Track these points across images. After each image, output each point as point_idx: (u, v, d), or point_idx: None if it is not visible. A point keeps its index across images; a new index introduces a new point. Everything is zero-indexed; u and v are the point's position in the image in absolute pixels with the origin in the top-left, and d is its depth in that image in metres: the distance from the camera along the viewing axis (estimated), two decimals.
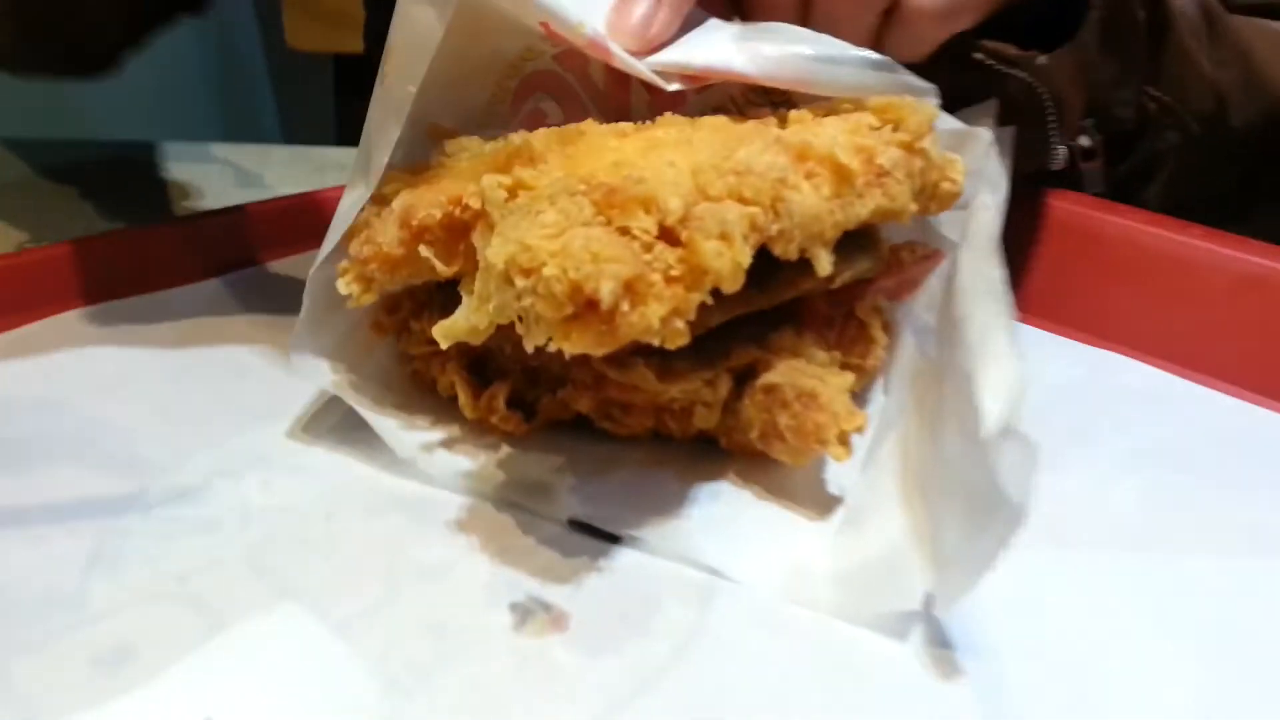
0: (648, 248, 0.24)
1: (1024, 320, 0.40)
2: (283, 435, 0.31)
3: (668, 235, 0.24)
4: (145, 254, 0.41)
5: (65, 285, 0.39)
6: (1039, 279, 0.41)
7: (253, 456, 0.30)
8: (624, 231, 0.24)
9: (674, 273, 0.23)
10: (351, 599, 0.24)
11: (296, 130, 1.33)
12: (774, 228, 0.25)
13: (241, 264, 0.43)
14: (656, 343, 0.23)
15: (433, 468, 0.29)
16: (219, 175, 0.63)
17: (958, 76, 0.34)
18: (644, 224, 0.24)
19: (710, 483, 0.30)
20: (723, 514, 0.28)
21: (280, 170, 0.64)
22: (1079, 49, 0.34)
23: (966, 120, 0.33)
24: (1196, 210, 0.49)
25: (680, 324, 0.23)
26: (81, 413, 0.32)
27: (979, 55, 0.34)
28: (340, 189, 0.32)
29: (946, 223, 0.34)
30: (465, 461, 0.30)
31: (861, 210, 0.27)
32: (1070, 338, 0.39)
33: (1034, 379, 0.34)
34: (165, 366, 0.35)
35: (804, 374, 0.29)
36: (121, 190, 0.61)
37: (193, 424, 0.31)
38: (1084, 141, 0.44)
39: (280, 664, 0.21)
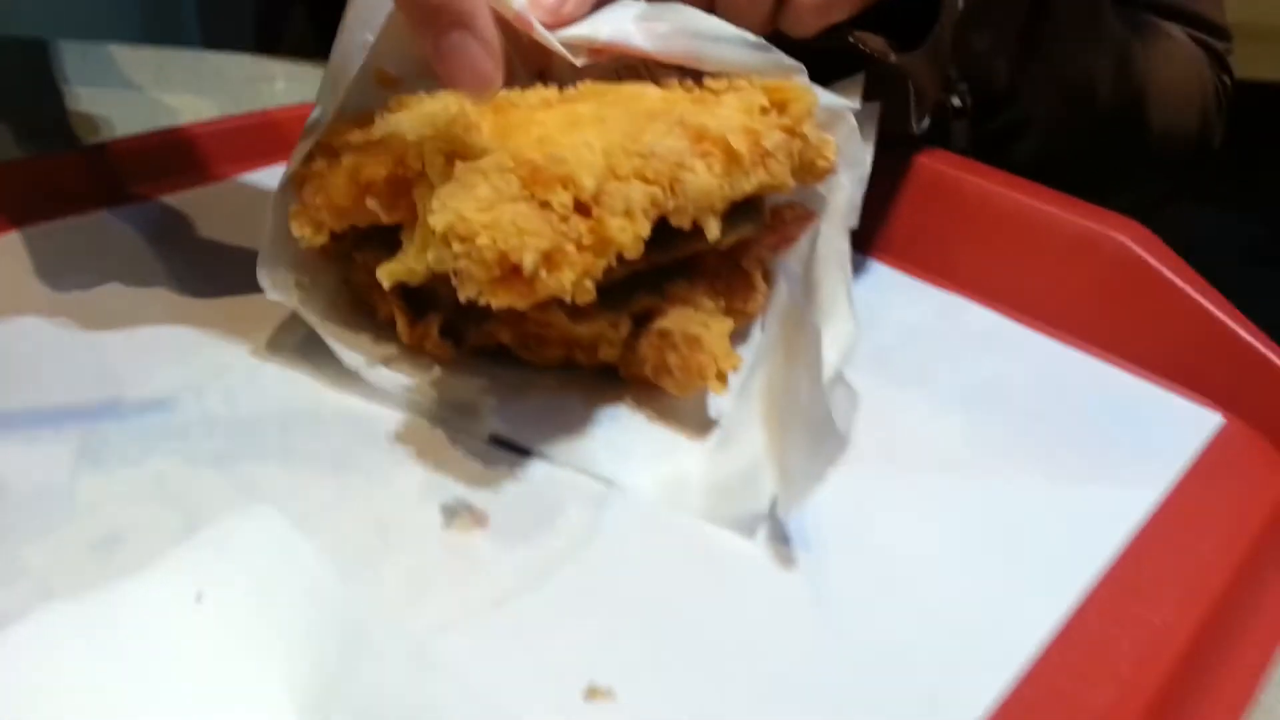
0: (564, 219, 0.28)
1: (888, 263, 0.46)
2: (243, 352, 0.35)
3: (582, 209, 0.29)
4: (91, 172, 0.44)
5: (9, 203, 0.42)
6: (902, 226, 0.46)
7: (215, 371, 0.34)
8: (545, 205, 0.28)
9: (585, 242, 0.28)
10: (306, 499, 0.29)
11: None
12: (671, 204, 0.30)
13: (191, 183, 0.46)
14: (567, 300, 0.28)
15: (377, 382, 0.34)
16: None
17: (836, 55, 0.39)
18: (562, 199, 0.28)
19: (610, 406, 0.35)
20: (619, 434, 0.34)
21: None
22: (932, 48, 0.39)
23: (838, 92, 0.39)
24: (1062, 171, 0.55)
25: (588, 284, 0.29)
26: (50, 329, 0.36)
27: (851, 40, 0.39)
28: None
29: (819, 187, 0.39)
30: (403, 379, 0.35)
31: (746, 185, 0.33)
32: (926, 281, 0.45)
33: (889, 319, 0.41)
34: (127, 283, 0.38)
35: (692, 320, 0.34)
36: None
37: (159, 340, 0.35)
38: (954, 101, 0.50)
39: (252, 552, 0.26)
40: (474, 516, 0.30)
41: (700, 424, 0.34)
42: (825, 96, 0.37)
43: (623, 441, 0.33)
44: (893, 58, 0.39)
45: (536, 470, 0.32)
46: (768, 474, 0.31)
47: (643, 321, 0.35)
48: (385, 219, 0.32)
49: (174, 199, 0.45)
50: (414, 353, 0.36)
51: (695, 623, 0.27)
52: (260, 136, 0.49)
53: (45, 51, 0.62)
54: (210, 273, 0.39)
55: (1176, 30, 0.59)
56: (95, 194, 0.43)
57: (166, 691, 0.22)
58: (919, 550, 0.30)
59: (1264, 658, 0.28)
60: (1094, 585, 0.30)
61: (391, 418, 0.33)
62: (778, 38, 0.38)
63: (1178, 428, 0.38)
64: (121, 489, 0.29)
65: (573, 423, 0.34)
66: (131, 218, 0.43)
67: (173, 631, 0.23)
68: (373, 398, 0.34)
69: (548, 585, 0.28)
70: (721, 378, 0.33)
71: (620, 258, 0.29)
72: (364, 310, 0.37)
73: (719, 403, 0.35)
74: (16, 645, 0.22)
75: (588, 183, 0.29)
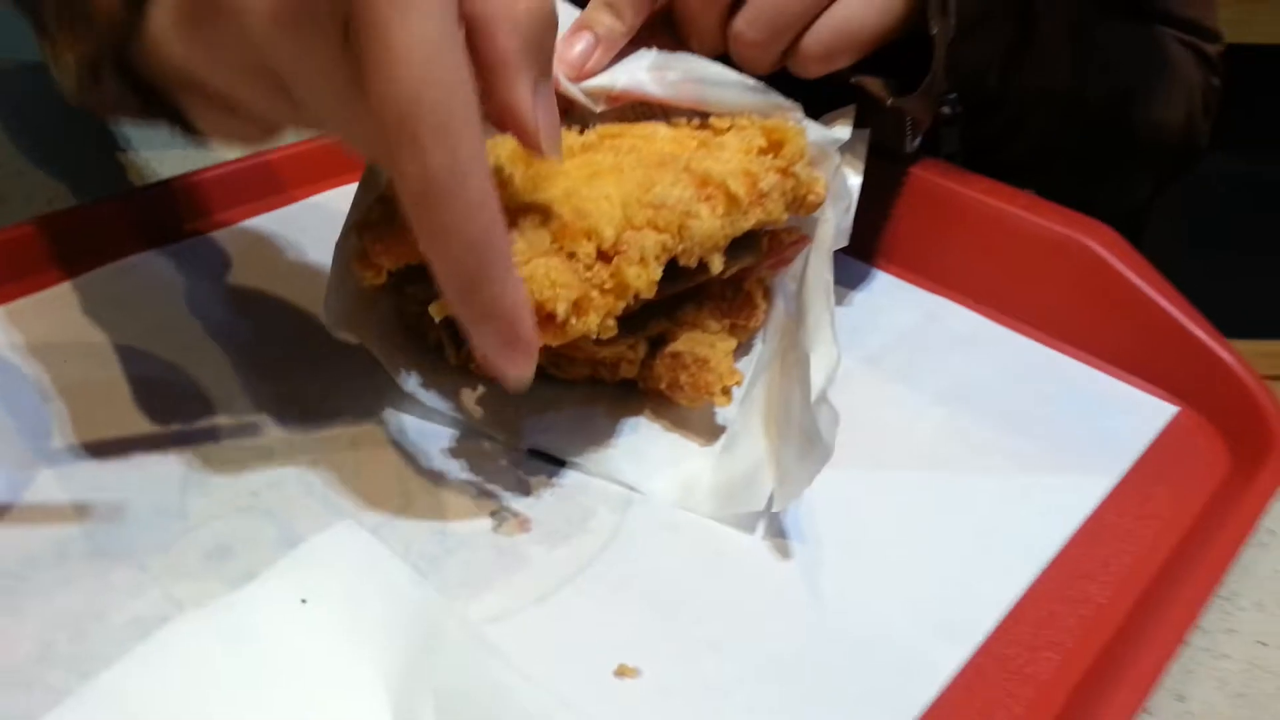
0: (589, 268, 0.34)
1: (882, 268, 0.51)
2: (314, 377, 0.41)
3: (603, 256, 0.34)
4: (151, 211, 0.49)
5: (87, 245, 0.47)
6: (895, 233, 0.51)
7: (292, 395, 0.40)
8: (571, 255, 0.34)
9: (607, 286, 0.34)
10: (378, 509, 0.35)
11: None
12: (679, 247, 0.35)
13: (245, 215, 0.51)
14: (593, 338, 0.34)
15: (428, 401, 0.39)
16: None
17: (835, 92, 0.43)
18: (586, 249, 0.34)
19: (630, 417, 0.40)
20: (639, 442, 0.39)
21: None
22: (926, 90, 0.43)
23: (830, 122, 0.44)
24: (1051, 171, 0.59)
25: (610, 322, 0.34)
26: (145, 358, 0.41)
27: (852, 82, 0.44)
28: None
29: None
30: (450, 398, 0.40)
31: (745, 224, 0.38)
32: (915, 284, 0.50)
33: (880, 322, 0.45)
34: (200, 315, 0.44)
35: (700, 343, 0.39)
36: None
37: (237, 365, 0.41)
38: (944, 109, 0.54)
39: (342, 560, 0.32)
40: (519, 521, 0.35)
41: (709, 431, 0.40)
42: (816, 132, 0.42)
43: (642, 449, 0.39)
44: (890, 101, 0.43)
45: (569, 479, 0.37)
46: (766, 476, 0.36)
47: (658, 343, 0.40)
48: None
49: (218, 235, 0.50)
50: (459, 374, 0.41)
51: (706, 609, 0.33)
52: (312, 163, 0.54)
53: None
54: (275, 302, 0.45)
55: (1165, 34, 0.62)
56: (150, 233, 0.48)
57: (285, 682, 0.27)
58: (898, 539, 0.36)
59: (1186, 621, 0.33)
60: (1047, 566, 0.35)
61: (444, 435, 0.39)
62: (784, 75, 0.43)
63: (1136, 418, 0.43)
64: (224, 506, 0.35)
65: (598, 434, 0.39)
66: (191, 253, 0.48)
67: (286, 630, 0.28)
68: (428, 418, 0.39)
69: (582, 580, 0.33)
70: (726, 393, 0.38)
71: (636, 297, 0.34)
72: (415, 337, 0.42)
73: (725, 411, 0.40)
74: (161, 649, 0.28)
75: (608, 234, 0.34)
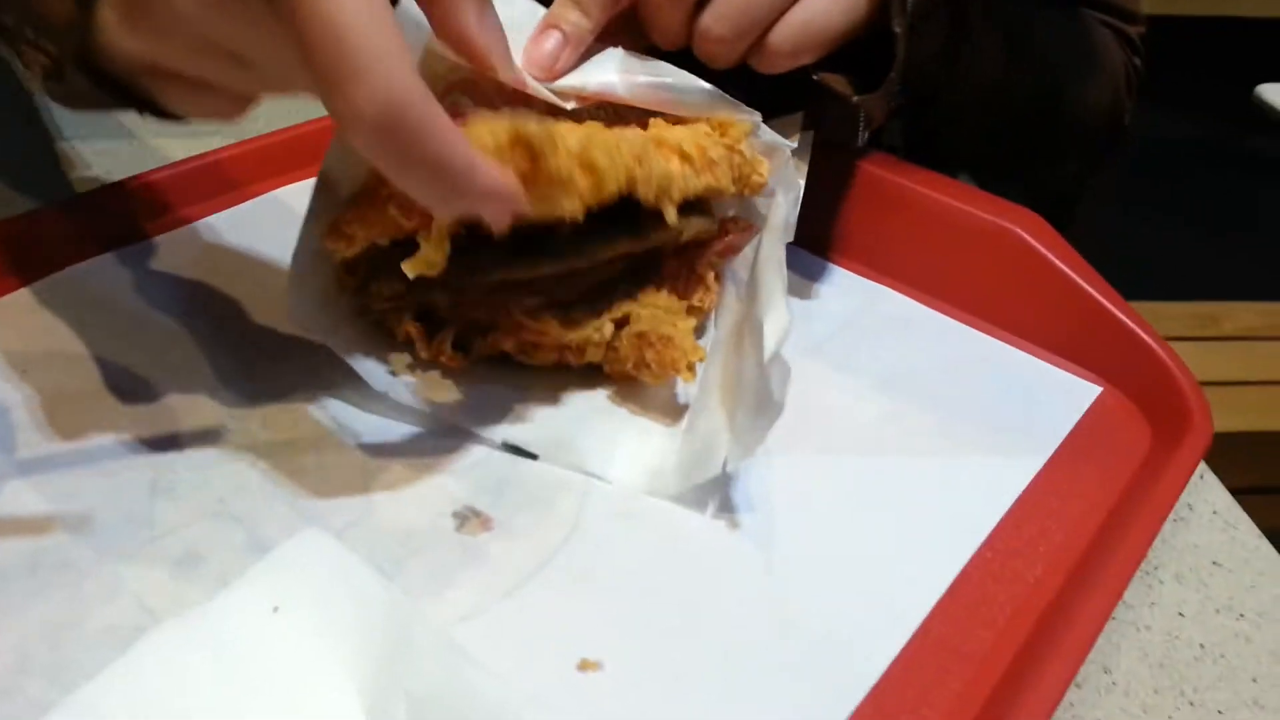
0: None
1: (822, 256, 0.52)
2: (274, 380, 0.41)
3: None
4: (99, 216, 0.49)
5: (39, 251, 0.46)
6: (835, 223, 0.53)
7: (252, 399, 0.41)
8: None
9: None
10: (344, 513, 0.36)
11: None
12: (638, 172, 0.37)
13: (195, 216, 0.51)
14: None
15: (399, 396, 0.41)
16: None
17: (796, 86, 0.45)
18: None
19: (598, 402, 0.42)
20: (605, 431, 0.41)
21: None
22: (886, 89, 0.45)
23: (779, 128, 0.45)
24: (986, 155, 0.61)
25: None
26: (106, 363, 0.42)
27: (815, 78, 0.45)
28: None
29: (760, 205, 0.46)
30: (422, 395, 0.41)
31: (697, 184, 0.40)
32: (854, 272, 0.52)
33: (821, 310, 0.47)
34: (156, 320, 0.44)
35: (663, 322, 0.41)
36: None
37: (197, 371, 0.42)
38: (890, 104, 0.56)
39: (312, 567, 0.33)
40: (480, 520, 0.37)
41: (671, 411, 0.42)
42: (767, 134, 0.44)
43: (608, 436, 0.41)
44: (855, 99, 0.45)
45: (529, 473, 0.39)
46: (722, 442, 0.38)
47: (621, 326, 0.42)
48: (405, 225, 0.38)
49: (173, 236, 0.50)
50: (424, 367, 0.42)
51: (662, 599, 0.34)
52: (266, 159, 0.54)
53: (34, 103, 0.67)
54: (233, 303, 0.45)
55: (1090, 17, 0.64)
56: (103, 237, 0.48)
57: (261, 690, 0.29)
58: (843, 523, 0.38)
59: (1113, 597, 0.36)
60: (980, 547, 0.37)
61: (405, 435, 0.40)
62: (742, 70, 0.44)
63: (1063, 398, 0.45)
64: (191, 512, 0.36)
65: (566, 424, 0.41)
66: (147, 255, 0.48)
67: (260, 639, 0.30)
68: (389, 417, 0.40)
69: (544, 575, 0.35)
70: (690, 368, 0.40)
71: (607, 224, 0.37)
72: (381, 337, 0.43)
73: (685, 391, 0.42)
74: (139, 661, 0.29)
75: (572, 141, 0.35)
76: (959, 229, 0.50)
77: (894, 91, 0.46)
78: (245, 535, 0.35)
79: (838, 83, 0.45)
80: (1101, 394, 0.45)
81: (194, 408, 0.40)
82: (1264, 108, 1.57)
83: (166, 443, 0.39)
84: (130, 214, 0.50)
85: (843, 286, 0.51)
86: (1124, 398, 0.45)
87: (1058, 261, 0.48)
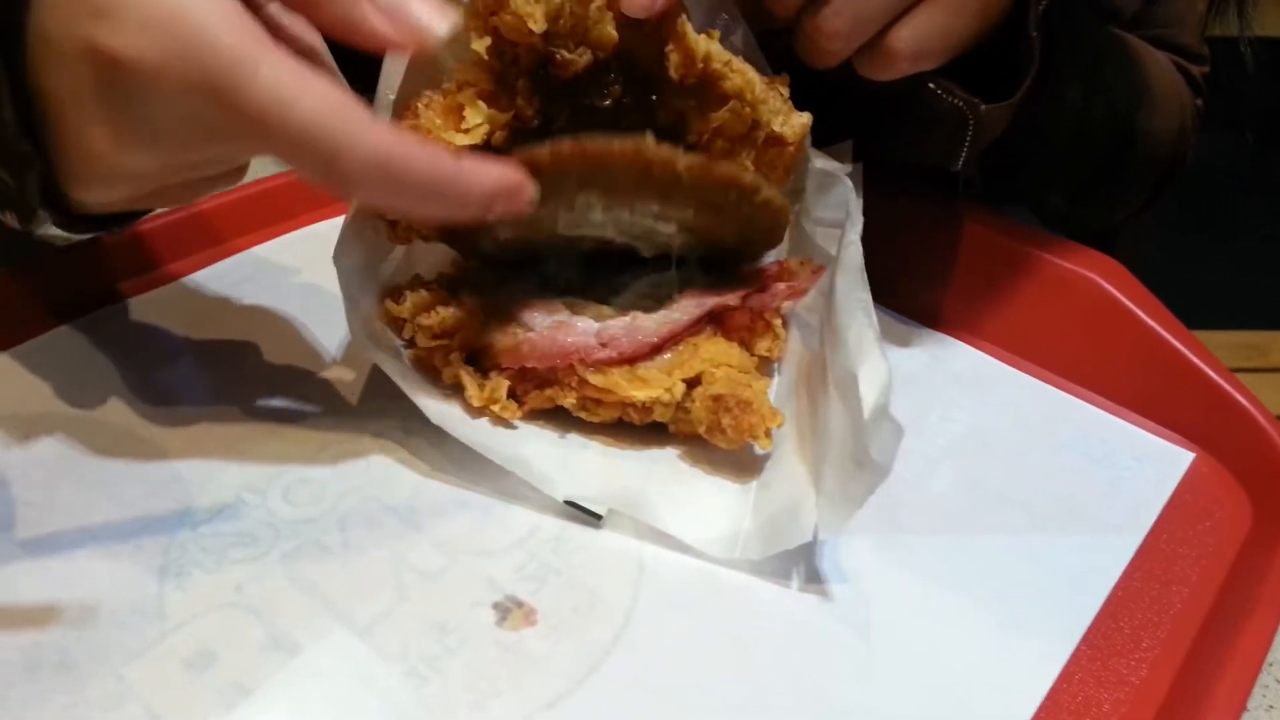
0: None
1: (886, 306, 0.49)
2: (293, 448, 0.38)
3: None
4: (94, 268, 0.45)
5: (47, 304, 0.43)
6: (891, 268, 0.49)
7: (272, 470, 0.37)
8: None
9: None
10: (371, 604, 0.33)
11: None
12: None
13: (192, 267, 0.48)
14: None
15: (461, 433, 0.37)
16: None
17: (902, 90, 0.41)
18: None
19: (664, 456, 0.39)
20: (677, 489, 0.38)
21: None
22: (1016, 99, 0.41)
23: (829, 155, 0.42)
24: (1056, 187, 0.58)
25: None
26: (113, 427, 0.39)
27: (931, 85, 0.41)
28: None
29: (819, 236, 0.43)
30: (483, 433, 0.39)
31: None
32: (914, 321, 0.48)
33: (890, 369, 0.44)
34: (175, 372, 0.41)
35: (738, 384, 0.38)
36: None
37: (212, 440, 0.38)
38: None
39: (334, 676, 0.30)
40: (523, 613, 0.33)
41: (745, 468, 0.39)
42: (822, 160, 0.40)
43: (677, 495, 0.37)
44: (982, 108, 0.41)
45: (574, 558, 0.35)
46: (808, 506, 0.34)
47: (692, 386, 0.39)
48: None
49: (178, 287, 0.47)
50: (479, 413, 0.39)
51: (723, 705, 0.31)
52: (260, 208, 0.51)
53: None
54: (240, 365, 0.42)
55: (1157, 51, 0.61)
56: (100, 290, 0.45)
57: None
58: (918, 616, 0.34)
59: (1235, 710, 0.32)
60: (1078, 644, 0.34)
61: (437, 507, 0.36)
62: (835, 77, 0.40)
63: (1153, 466, 0.41)
64: (205, 603, 0.33)
65: (634, 481, 0.38)
66: (148, 309, 0.45)
67: None
68: (418, 490, 0.37)
69: (595, 679, 0.31)
70: (768, 434, 0.37)
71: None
72: (424, 376, 0.40)
73: (758, 446, 0.39)
74: None
75: None
76: (1032, 276, 0.47)
77: (1016, 106, 0.42)
78: (263, 631, 0.32)
79: (958, 91, 0.41)
80: (1194, 461, 0.42)
81: (208, 478, 0.37)
82: None
83: (177, 520, 0.35)
84: (132, 265, 0.46)
85: (905, 339, 0.47)
86: (1218, 465, 0.42)
87: (1140, 313, 0.44)
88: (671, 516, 0.36)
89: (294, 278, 0.47)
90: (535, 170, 0.33)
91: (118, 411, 0.39)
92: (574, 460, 0.38)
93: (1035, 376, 0.45)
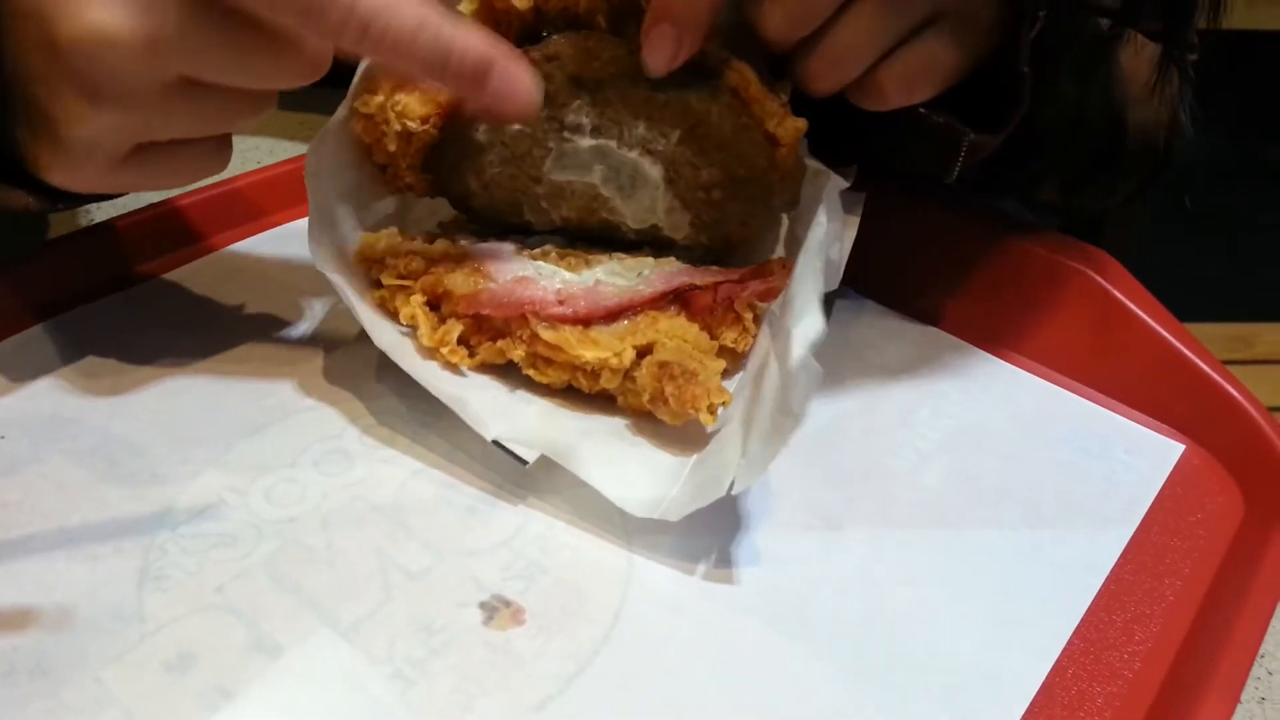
0: None
1: (876, 298, 0.48)
2: (274, 443, 0.38)
3: None
4: (79, 262, 0.45)
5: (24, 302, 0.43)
6: (882, 262, 0.48)
7: (253, 468, 0.37)
8: None
9: None
10: (356, 604, 0.32)
11: None
12: None
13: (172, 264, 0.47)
14: None
15: (401, 364, 0.37)
16: None
17: (905, 125, 0.41)
18: None
19: (610, 424, 0.39)
20: (612, 451, 0.37)
21: None
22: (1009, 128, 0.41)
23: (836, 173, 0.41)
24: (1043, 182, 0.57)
25: None
26: (90, 427, 0.38)
27: (922, 111, 0.41)
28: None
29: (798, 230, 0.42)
30: (429, 371, 0.39)
31: None
32: (905, 316, 0.48)
33: (872, 360, 0.43)
34: (155, 369, 0.40)
35: (689, 357, 0.37)
36: None
37: (195, 437, 0.38)
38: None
39: (321, 679, 0.29)
40: (511, 612, 0.32)
41: (686, 445, 0.38)
42: (816, 166, 0.40)
43: (615, 454, 0.37)
44: (971, 136, 0.42)
45: (560, 557, 0.35)
46: (732, 464, 0.34)
47: (643, 355, 0.38)
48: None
49: (160, 283, 0.46)
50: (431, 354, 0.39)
51: (715, 705, 0.30)
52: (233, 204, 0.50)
53: None
54: (223, 361, 0.41)
55: (1144, 40, 0.61)
56: (77, 287, 0.44)
57: None
58: (914, 610, 0.34)
59: (1228, 703, 0.32)
60: (1070, 637, 0.33)
61: (420, 510, 0.36)
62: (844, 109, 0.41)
63: (1143, 457, 0.41)
64: (186, 604, 0.32)
65: (572, 436, 0.37)
66: (126, 306, 0.44)
67: None
68: (404, 487, 0.36)
69: (583, 679, 0.31)
70: (712, 410, 0.36)
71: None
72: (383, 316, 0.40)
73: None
74: None
75: None
76: (1024, 270, 0.46)
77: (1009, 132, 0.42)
78: (245, 632, 0.31)
79: (949, 120, 0.42)
80: (1185, 452, 0.41)
81: (188, 479, 0.36)
82: None
83: (157, 521, 0.35)
84: (109, 263, 0.45)
85: (897, 333, 0.47)
86: (1209, 456, 0.41)
87: (1132, 305, 0.44)
88: (599, 471, 0.35)
89: (272, 275, 0.47)
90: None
91: (95, 411, 0.38)
92: (514, 410, 0.38)
93: (1027, 370, 0.45)
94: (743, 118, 0.40)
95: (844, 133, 0.42)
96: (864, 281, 0.48)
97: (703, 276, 0.40)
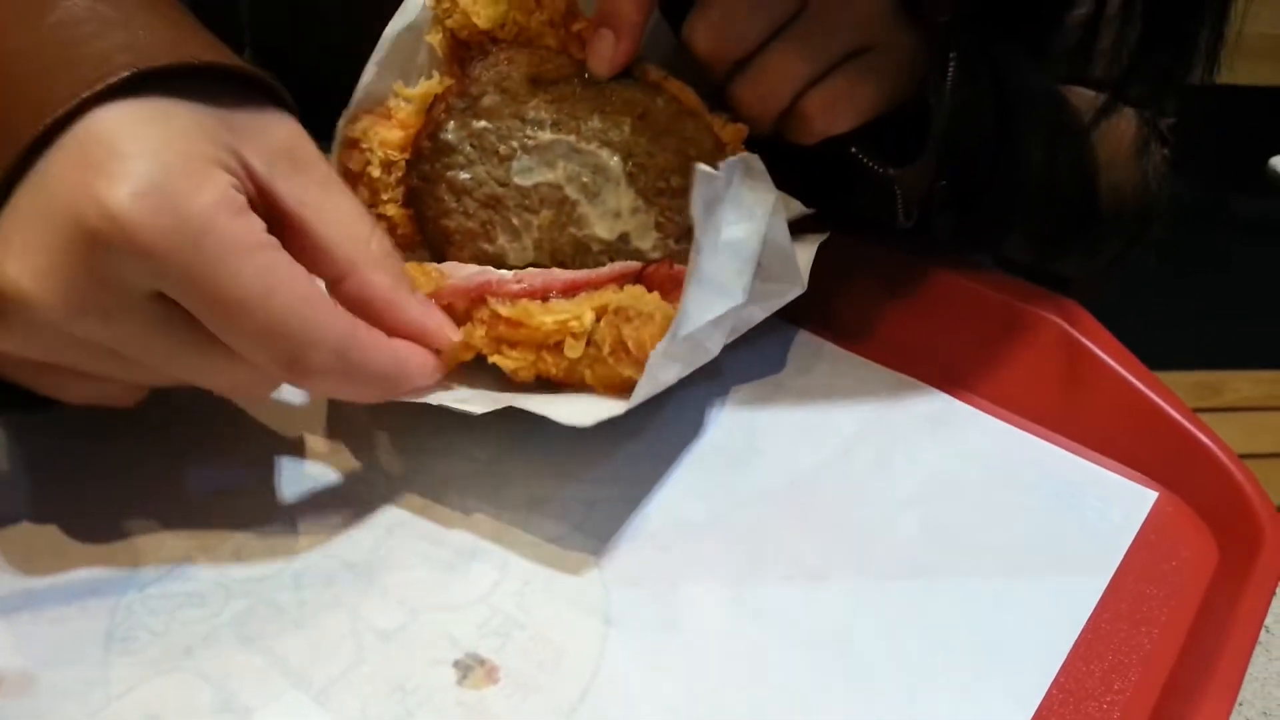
0: None
1: (846, 347, 0.48)
2: (246, 501, 0.37)
3: None
4: None
5: None
6: (858, 310, 0.49)
7: (223, 527, 0.36)
8: None
9: None
10: (328, 665, 0.32)
11: None
12: None
13: None
14: None
15: None
16: None
17: (832, 162, 0.43)
18: None
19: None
20: (562, 398, 0.38)
21: None
22: (921, 164, 0.43)
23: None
24: (1027, 242, 0.58)
25: None
26: (54, 482, 0.37)
27: (853, 150, 0.43)
28: None
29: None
30: None
31: None
32: (877, 361, 0.48)
33: (845, 407, 0.43)
34: (122, 424, 0.40)
35: (644, 303, 0.38)
36: None
37: (161, 494, 0.37)
38: (938, 189, 0.52)
39: None
40: (485, 670, 0.32)
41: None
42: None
43: (561, 400, 0.38)
44: (891, 171, 0.44)
45: (538, 614, 0.34)
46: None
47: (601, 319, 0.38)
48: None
49: None
50: None
51: None
52: None
53: None
54: (197, 410, 0.41)
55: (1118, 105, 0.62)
56: None
57: None
58: (891, 666, 0.34)
59: None
60: (1049, 687, 0.33)
61: (394, 566, 0.35)
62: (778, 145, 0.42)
63: (1117, 505, 0.41)
64: (153, 667, 0.31)
65: (517, 396, 0.38)
66: None
67: None
68: (377, 546, 0.36)
69: None
70: None
71: None
72: None
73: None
74: None
75: None
76: (995, 320, 0.47)
77: (931, 168, 0.43)
78: (213, 695, 0.31)
79: (870, 159, 0.44)
80: (1158, 499, 0.42)
81: (156, 537, 0.36)
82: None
83: (124, 582, 0.34)
84: None
85: (869, 382, 0.47)
86: (1182, 503, 0.42)
87: (1103, 355, 0.44)
88: (550, 408, 0.36)
89: None
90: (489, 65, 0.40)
91: (62, 469, 0.38)
92: (472, 389, 0.39)
93: (999, 419, 0.45)
94: (684, 111, 0.42)
95: (796, 183, 0.43)
96: (836, 329, 0.48)
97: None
